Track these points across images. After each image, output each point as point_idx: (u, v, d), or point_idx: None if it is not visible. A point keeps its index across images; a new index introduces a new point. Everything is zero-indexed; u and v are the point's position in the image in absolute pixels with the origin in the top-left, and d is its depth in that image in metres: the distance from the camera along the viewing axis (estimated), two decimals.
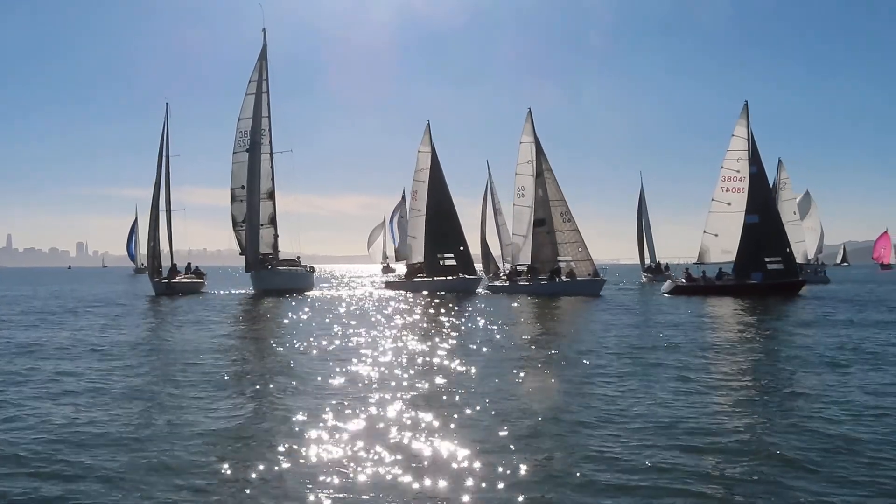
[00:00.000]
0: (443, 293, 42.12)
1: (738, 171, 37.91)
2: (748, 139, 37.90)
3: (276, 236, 51.14)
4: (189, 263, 52.16)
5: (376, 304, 35.64)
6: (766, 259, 37.00)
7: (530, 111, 42.13)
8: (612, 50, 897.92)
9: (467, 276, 45.11)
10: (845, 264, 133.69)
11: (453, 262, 45.21)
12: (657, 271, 69.01)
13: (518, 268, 42.47)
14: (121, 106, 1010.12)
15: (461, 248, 45.45)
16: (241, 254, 51.66)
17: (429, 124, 47.96)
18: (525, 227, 41.87)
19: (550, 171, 40.56)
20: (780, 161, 61.24)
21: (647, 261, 71.93)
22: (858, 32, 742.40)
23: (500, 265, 59.42)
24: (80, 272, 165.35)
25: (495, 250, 59.94)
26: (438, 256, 45.24)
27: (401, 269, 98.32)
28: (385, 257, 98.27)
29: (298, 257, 51.87)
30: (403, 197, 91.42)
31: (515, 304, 33.99)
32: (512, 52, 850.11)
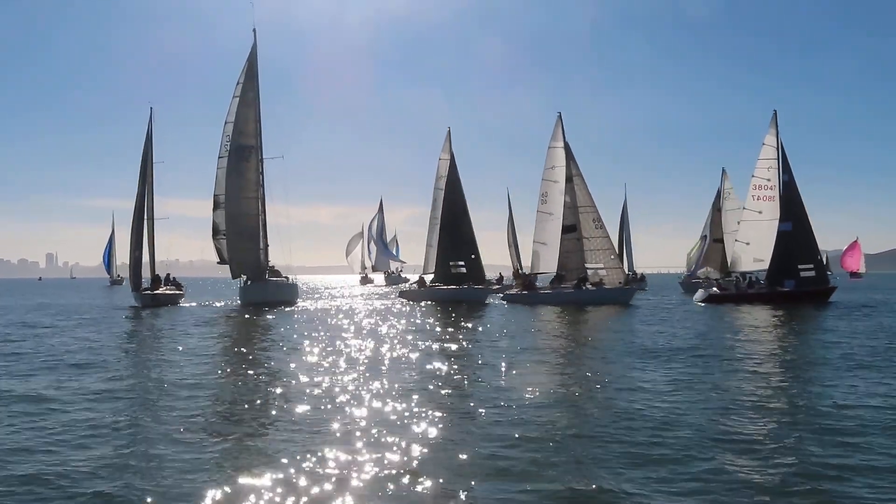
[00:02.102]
0: (453, 303, 40.43)
1: (768, 180, 38.09)
2: (778, 148, 38.09)
3: (266, 246, 48.92)
4: (168, 274, 50.00)
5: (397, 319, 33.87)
6: (799, 266, 37.14)
7: (560, 116, 41.48)
8: (597, 56, 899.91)
9: (476, 286, 43.74)
10: (829, 273, 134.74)
11: (464, 271, 43.76)
12: (634, 281, 70.65)
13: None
14: (95, 111, 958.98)
15: (472, 256, 44.08)
16: (219, 263, 49.56)
17: (449, 131, 46.60)
18: (547, 234, 40.81)
19: (581, 176, 39.72)
20: (723, 171, 60.40)
21: (627, 271, 73.42)
22: (834, 43, 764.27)
23: None
24: (52, 284, 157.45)
25: None
26: (451, 264, 43.71)
27: (379, 279, 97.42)
28: (363, 267, 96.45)
29: (272, 266, 49.75)
30: (381, 207, 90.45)
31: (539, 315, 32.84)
32: (491, 56, 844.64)
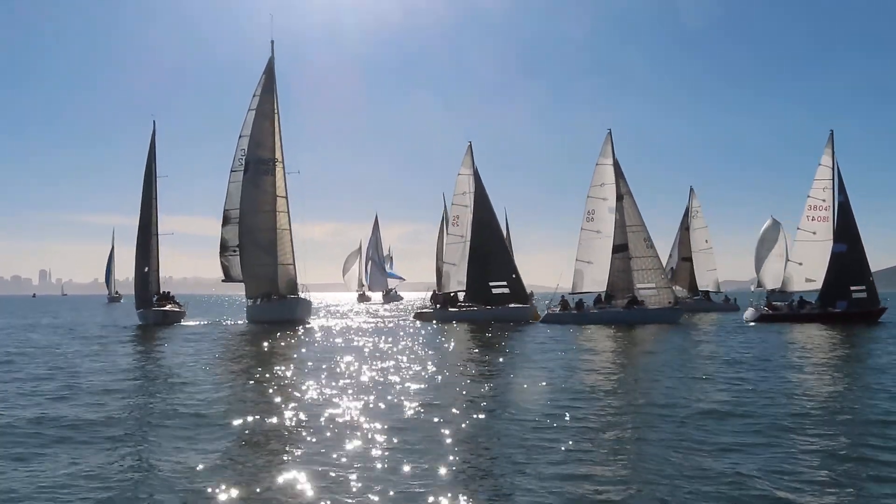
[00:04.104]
0: (495, 324, 39.01)
1: (823, 201, 38.14)
2: (833, 168, 38.28)
3: (294, 262, 47.03)
4: (168, 291, 48.16)
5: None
6: (852, 287, 37.21)
7: (610, 132, 40.66)
8: (592, 66, 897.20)
9: (520, 306, 42.46)
10: None
11: (506, 291, 42.45)
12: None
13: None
14: (91, 126, 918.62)
15: (514, 275, 42.91)
16: (223, 280, 48.11)
17: (470, 145, 45.21)
18: (593, 252, 39.89)
19: (630, 194, 39.11)
20: (691, 189, 61.26)
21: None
22: (825, 59, 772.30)
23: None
24: (47, 301, 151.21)
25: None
26: (491, 285, 42.34)
27: (377, 297, 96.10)
28: (361, 285, 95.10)
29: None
30: (376, 224, 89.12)
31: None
32: (487, 68, 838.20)
